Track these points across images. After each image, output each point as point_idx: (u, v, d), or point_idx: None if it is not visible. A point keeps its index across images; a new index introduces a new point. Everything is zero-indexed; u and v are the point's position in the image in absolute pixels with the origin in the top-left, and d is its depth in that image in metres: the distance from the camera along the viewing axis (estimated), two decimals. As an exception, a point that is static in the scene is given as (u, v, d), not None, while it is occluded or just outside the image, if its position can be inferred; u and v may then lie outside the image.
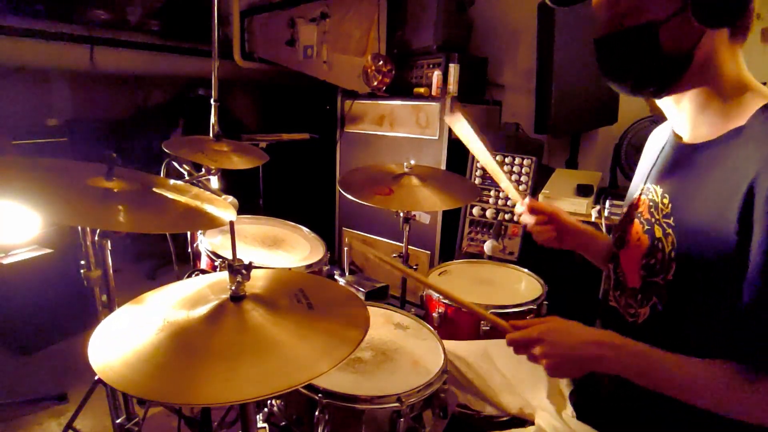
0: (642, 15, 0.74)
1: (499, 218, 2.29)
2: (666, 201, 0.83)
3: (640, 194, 0.92)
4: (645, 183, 0.92)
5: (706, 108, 0.79)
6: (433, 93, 2.51)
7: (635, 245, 0.88)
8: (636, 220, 0.91)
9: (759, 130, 0.71)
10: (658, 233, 0.82)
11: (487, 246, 1.99)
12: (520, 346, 0.82)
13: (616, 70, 0.82)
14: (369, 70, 2.67)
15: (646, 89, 0.81)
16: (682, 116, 0.83)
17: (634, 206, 0.94)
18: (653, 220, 0.85)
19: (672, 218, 0.80)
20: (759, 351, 0.67)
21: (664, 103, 0.85)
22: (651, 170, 0.92)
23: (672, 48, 0.74)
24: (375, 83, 2.68)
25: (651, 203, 0.87)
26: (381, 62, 2.64)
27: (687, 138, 0.84)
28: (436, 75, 2.49)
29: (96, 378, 1.19)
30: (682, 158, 0.84)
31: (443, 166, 2.49)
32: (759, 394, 0.67)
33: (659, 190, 0.86)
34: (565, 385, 1.05)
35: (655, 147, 0.96)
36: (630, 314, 0.88)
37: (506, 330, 0.86)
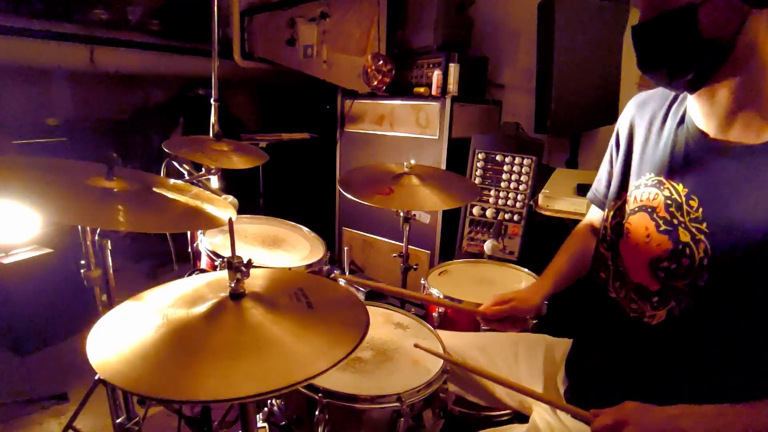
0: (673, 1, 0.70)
1: (499, 218, 2.29)
2: (694, 204, 0.78)
3: (649, 186, 0.87)
4: (657, 175, 0.86)
5: (745, 105, 0.74)
6: (433, 93, 2.51)
7: (644, 242, 0.85)
8: (644, 214, 0.86)
9: None
10: (684, 237, 0.78)
11: (487, 246, 1.99)
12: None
13: (653, 58, 0.77)
14: (369, 70, 2.67)
15: (684, 78, 0.75)
16: (713, 110, 0.77)
17: (639, 197, 0.88)
18: (676, 222, 0.80)
19: (705, 224, 0.76)
20: None
21: (697, 94, 0.79)
22: (663, 161, 0.86)
23: (713, 32, 0.69)
24: (375, 83, 2.68)
25: (670, 201, 0.82)
26: (381, 62, 2.64)
27: (713, 134, 0.79)
28: (436, 75, 2.49)
29: (96, 377, 1.19)
30: (712, 159, 0.78)
31: (443, 166, 2.49)
32: None
33: (682, 190, 0.81)
34: (560, 382, 1.05)
35: (655, 129, 0.89)
36: (632, 309, 0.86)
37: (588, 419, 0.81)
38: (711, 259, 0.75)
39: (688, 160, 0.82)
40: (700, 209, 0.77)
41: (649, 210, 0.85)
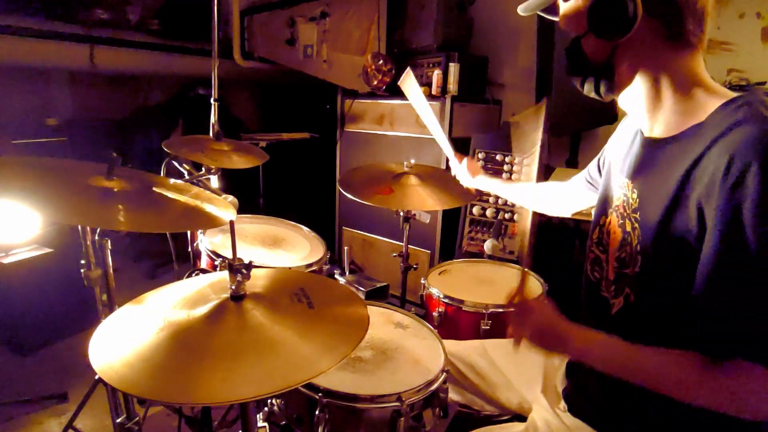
0: (572, 32, 0.88)
1: (499, 217, 2.29)
2: (635, 196, 0.87)
3: (618, 188, 0.95)
4: (624, 177, 0.94)
5: (655, 107, 0.84)
6: (433, 92, 2.51)
7: (613, 239, 0.93)
8: (614, 214, 0.94)
9: (716, 125, 0.74)
10: (628, 227, 0.87)
11: (487, 245, 1.99)
12: (518, 314, 0.90)
13: (572, 73, 0.93)
14: (369, 70, 2.66)
15: (591, 92, 0.91)
16: (637, 112, 0.89)
17: (610, 200, 0.97)
18: (625, 214, 0.89)
19: (639, 213, 0.85)
20: (714, 340, 0.71)
21: (622, 102, 0.91)
22: (626, 166, 0.94)
23: (594, 57, 0.86)
24: (375, 82, 2.68)
25: (624, 198, 0.91)
26: (381, 61, 2.64)
27: (647, 133, 0.89)
28: (436, 74, 2.49)
29: (96, 377, 1.19)
30: (647, 153, 0.88)
31: (443, 166, 2.49)
32: (720, 381, 0.70)
33: (630, 185, 0.89)
34: (559, 382, 1.07)
35: (624, 139, 0.99)
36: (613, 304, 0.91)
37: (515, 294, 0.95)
38: (641, 245, 0.83)
39: (635, 159, 0.92)
40: (638, 200, 0.87)
41: (615, 208, 0.94)
